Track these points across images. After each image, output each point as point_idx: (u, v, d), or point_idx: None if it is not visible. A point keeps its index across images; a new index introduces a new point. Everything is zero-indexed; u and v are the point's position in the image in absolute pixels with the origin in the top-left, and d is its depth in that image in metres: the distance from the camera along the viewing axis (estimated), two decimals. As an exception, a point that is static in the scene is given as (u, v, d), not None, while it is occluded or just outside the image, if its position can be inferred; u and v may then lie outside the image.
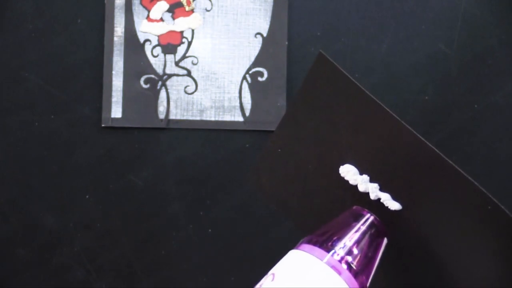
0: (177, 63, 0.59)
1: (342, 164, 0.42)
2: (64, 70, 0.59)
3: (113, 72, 0.59)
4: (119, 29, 0.59)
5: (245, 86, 0.59)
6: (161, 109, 0.59)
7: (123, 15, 0.59)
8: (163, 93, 0.59)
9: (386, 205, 0.41)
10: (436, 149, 0.38)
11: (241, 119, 0.59)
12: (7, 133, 0.58)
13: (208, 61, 0.59)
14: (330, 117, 0.43)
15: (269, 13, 0.59)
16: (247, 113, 0.59)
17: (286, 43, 0.59)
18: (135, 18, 0.59)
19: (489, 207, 0.39)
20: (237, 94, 0.59)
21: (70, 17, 0.59)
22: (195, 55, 0.59)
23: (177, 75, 0.59)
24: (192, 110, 0.59)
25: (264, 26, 0.59)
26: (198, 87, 0.59)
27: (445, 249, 0.41)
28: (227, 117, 0.59)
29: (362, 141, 0.42)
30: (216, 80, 0.59)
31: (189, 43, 0.59)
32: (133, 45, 0.59)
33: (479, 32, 0.59)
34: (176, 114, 0.59)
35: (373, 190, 0.41)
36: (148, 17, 0.59)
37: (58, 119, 0.59)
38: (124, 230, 0.58)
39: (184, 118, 0.59)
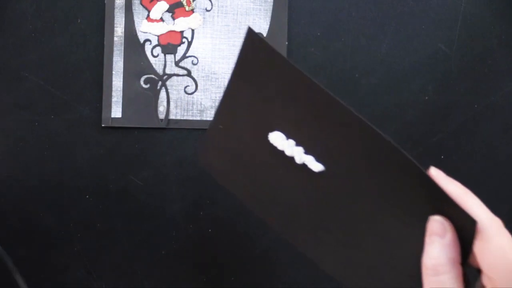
0: (177, 63, 0.59)
1: (272, 132, 0.45)
2: (64, 70, 0.59)
3: (113, 72, 0.59)
4: (119, 29, 0.59)
5: (245, 86, 0.59)
6: (161, 109, 0.59)
7: (123, 15, 0.59)
8: (163, 93, 0.59)
9: (309, 167, 0.44)
10: (351, 108, 0.42)
11: (241, 119, 0.59)
12: (7, 133, 0.58)
13: (208, 61, 0.59)
14: (260, 89, 0.46)
15: (269, 13, 0.59)
16: (247, 113, 0.59)
17: (286, 43, 0.59)
18: (135, 18, 0.59)
19: (400, 161, 0.41)
20: (237, 94, 0.59)
21: (70, 17, 0.59)
22: (195, 55, 0.59)
23: (177, 75, 0.59)
24: (192, 110, 0.59)
25: (264, 26, 0.59)
26: (198, 87, 0.59)
27: (366, 205, 0.43)
28: (227, 117, 0.59)
29: (288, 109, 0.45)
30: (216, 80, 0.59)
31: (189, 43, 0.59)
32: (133, 45, 0.59)
33: (479, 32, 0.59)
34: (176, 114, 0.59)
35: (298, 154, 0.44)
36: (148, 17, 0.59)
37: (58, 119, 0.59)
38: (124, 230, 0.59)
39: (184, 118, 0.59)
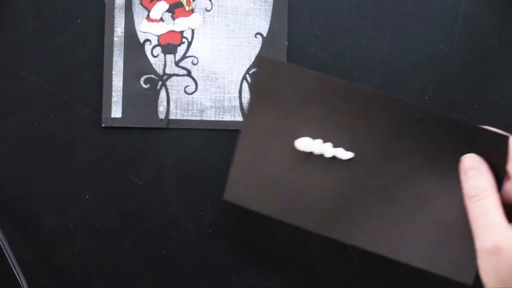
0: (177, 63, 0.59)
1: (297, 139, 0.49)
2: (64, 70, 0.59)
3: (113, 72, 0.59)
4: (119, 29, 0.59)
5: (245, 86, 0.59)
6: (161, 109, 0.59)
7: (123, 15, 0.59)
8: (163, 93, 0.59)
9: (340, 157, 0.48)
10: (365, 88, 0.48)
11: (241, 119, 0.59)
12: (7, 133, 0.58)
13: (208, 61, 0.59)
14: (279, 104, 0.50)
15: (269, 13, 0.59)
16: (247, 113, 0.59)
17: (286, 43, 0.59)
18: (135, 18, 0.59)
19: (418, 116, 0.47)
20: (237, 94, 0.59)
21: (70, 17, 0.59)
22: (195, 55, 0.59)
23: (177, 75, 0.59)
24: (192, 110, 0.59)
25: (264, 26, 0.59)
26: (198, 87, 0.59)
27: (397, 172, 0.48)
28: (227, 117, 0.59)
29: (309, 112, 0.49)
30: (216, 80, 0.59)
31: (189, 43, 0.59)
32: (133, 45, 0.59)
33: (479, 32, 0.59)
34: (176, 114, 0.59)
35: (328, 149, 0.49)
36: (148, 17, 0.59)
37: (58, 119, 0.59)
38: (124, 230, 0.59)
39: (184, 118, 0.59)
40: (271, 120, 0.50)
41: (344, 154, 0.49)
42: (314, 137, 0.49)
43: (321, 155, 0.49)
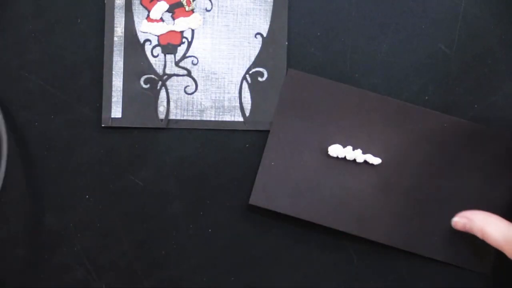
0: (177, 63, 0.59)
1: (329, 146, 0.54)
2: (64, 70, 0.59)
3: (113, 72, 0.59)
4: (119, 29, 0.59)
5: (245, 86, 0.59)
6: (161, 109, 0.59)
7: (123, 15, 0.59)
8: (163, 93, 0.59)
9: (370, 162, 0.54)
10: (393, 99, 0.55)
11: (241, 119, 0.59)
12: (7, 133, 0.58)
13: (208, 61, 0.59)
14: (309, 115, 0.55)
15: (269, 13, 0.59)
16: (247, 113, 0.59)
17: (286, 43, 0.59)
18: (135, 18, 0.59)
19: (445, 125, 0.55)
20: (237, 94, 0.59)
21: (70, 17, 0.59)
22: (195, 55, 0.59)
23: (177, 75, 0.59)
24: (192, 110, 0.59)
25: (264, 26, 0.59)
26: (198, 87, 0.59)
27: (422, 177, 0.54)
28: (227, 117, 0.59)
29: (340, 121, 0.55)
30: (216, 80, 0.59)
31: (189, 43, 0.59)
32: (133, 45, 0.59)
33: (479, 32, 0.59)
34: (176, 114, 0.59)
35: (358, 155, 0.54)
36: (148, 17, 0.59)
37: (58, 119, 0.59)
38: (124, 230, 0.59)
39: (184, 118, 0.59)
40: (300, 128, 0.55)
41: (373, 159, 0.54)
42: (344, 144, 0.54)
43: (353, 161, 0.54)
